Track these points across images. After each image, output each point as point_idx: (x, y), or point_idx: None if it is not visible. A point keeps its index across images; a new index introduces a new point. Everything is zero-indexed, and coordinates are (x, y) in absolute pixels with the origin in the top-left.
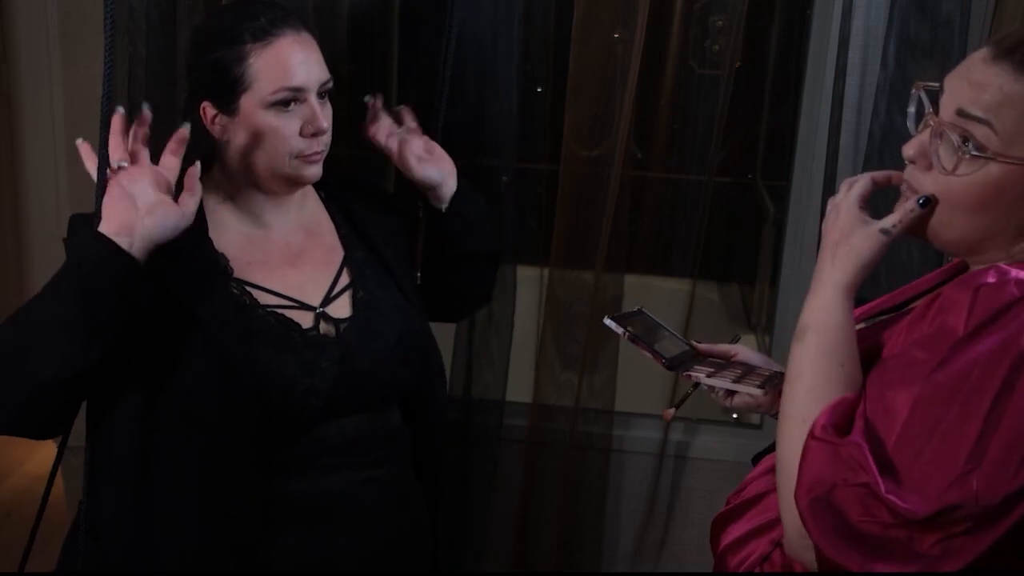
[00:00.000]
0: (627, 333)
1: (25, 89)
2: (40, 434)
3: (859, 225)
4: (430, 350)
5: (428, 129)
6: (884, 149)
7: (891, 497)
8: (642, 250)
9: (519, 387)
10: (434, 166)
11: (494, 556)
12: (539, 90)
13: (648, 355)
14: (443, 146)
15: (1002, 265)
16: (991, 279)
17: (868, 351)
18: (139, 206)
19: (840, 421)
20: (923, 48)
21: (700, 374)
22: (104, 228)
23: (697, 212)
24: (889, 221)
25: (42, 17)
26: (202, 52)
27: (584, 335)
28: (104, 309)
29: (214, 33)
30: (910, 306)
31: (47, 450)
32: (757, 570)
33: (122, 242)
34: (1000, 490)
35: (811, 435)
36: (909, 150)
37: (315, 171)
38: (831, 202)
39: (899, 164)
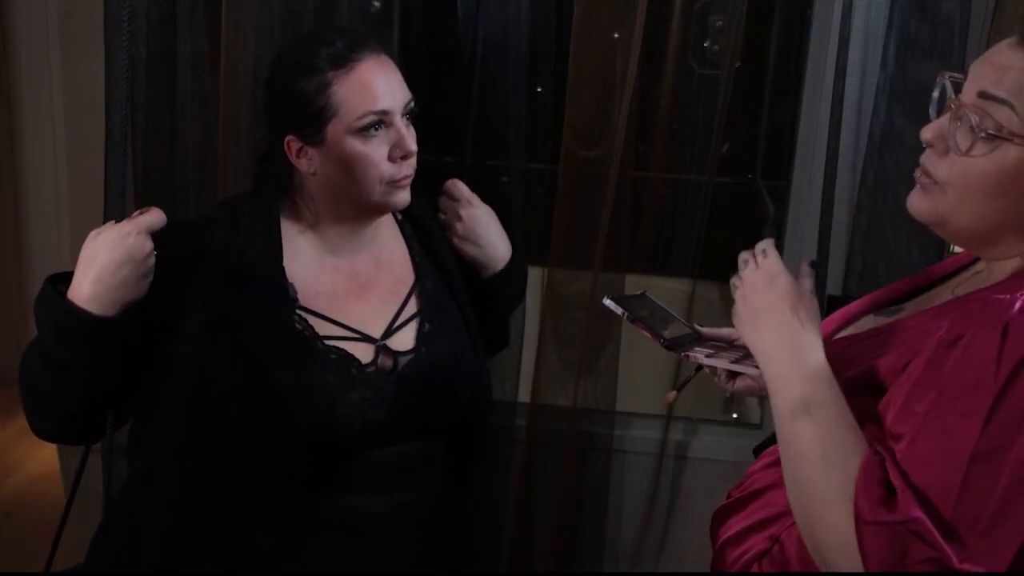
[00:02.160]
0: (626, 313)
1: (25, 89)
2: (80, 443)
3: (798, 284)
4: (481, 381)
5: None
6: (884, 149)
7: (966, 566)
8: (642, 250)
9: (519, 387)
10: (472, 248)
11: (494, 556)
12: (539, 90)
13: (647, 335)
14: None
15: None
16: (1016, 308)
17: (876, 360)
18: (103, 264)
19: (879, 491)
20: (923, 48)
21: (699, 355)
22: (71, 292)
23: (697, 212)
24: (808, 282)
25: (42, 17)
26: (282, 85)
27: (584, 335)
28: (83, 363)
29: (292, 65)
30: (919, 308)
31: (48, 450)
32: (755, 566)
33: (88, 305)
34: None
35: (861, 520)
36: (927, 133)
37: (404, 196)
38: (751, 275)
39: (898, 164)
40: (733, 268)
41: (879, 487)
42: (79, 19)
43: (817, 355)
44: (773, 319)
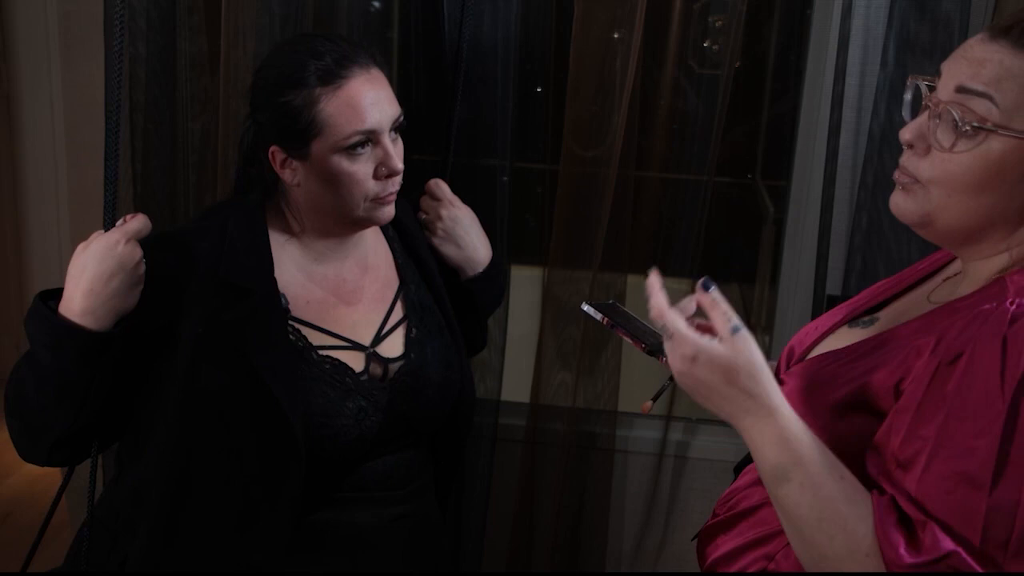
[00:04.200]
0: (606, 319)
1: (25, 89)
2: (73, 464)
3: (721, 348)
4: (465, 382)
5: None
6: (884, 149)
7: None
8: (642, 250)
9: (519, 387)
10: (452, 249)
11: (494, 556)
12: (539, 90)
13: (628, 340)
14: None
15: (1016, 302)
16: (1009, 319)
17: (865, 378)
18: (94, 277)
19: (900, 533)
20: (923, 48)
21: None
22: (63, 307)
23: (697, 212)
24: (733, 320)
25: (42, 17)
26: (268, 94)
27: (584, 335)
28: (78, 379)
29: (280, 75)
30: (897, 318)
31: None
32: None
33: (82, 320)
34: None
35: (895, 566)
36: (906, 134)
37: (389, 212)
38: (672, 357)
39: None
40: (733, 268)
41: (899, 529)
42: (79, 19)
43: (775, 418)
44: (717, 395)
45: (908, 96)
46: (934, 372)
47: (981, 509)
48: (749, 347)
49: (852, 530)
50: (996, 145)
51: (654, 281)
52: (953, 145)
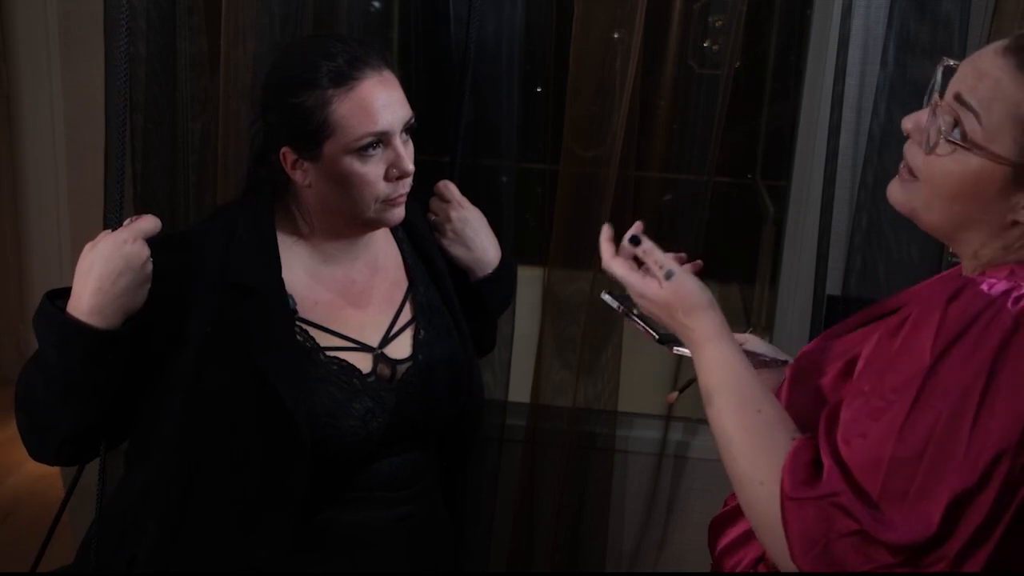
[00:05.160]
0: (621, 308)
1: (25, 89)
2: (82, 462)
3: (659, 290)
4: (474, 384)
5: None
6: (883, 149)
7: (889, 536)
8: None
9: (519, 387)
10: (461, 250)
11: (494, 556)
12: (539, 90)
13: (640, 328)
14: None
15: (975, 277)
16: (964, 294)
17: (850, 361)
18: (104, 275)
19: (806, 471)
20: (923, 48)
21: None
22: (71, 306)
23: (697, 212)
24: (666, 263)
25: (42, 17)
26: (279, 97)
27: (584, 335)
28: (85, 378)
29: (292, 76)
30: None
31: None
32: (751, 571)
33: (90, 319)
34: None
35: (784, 496)
36: (907, 123)
37: (399, 213)
38: (633, 297)
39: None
40: (733, 268)
41: (806, 468)
42: (79, 19)
43: (709, 348)
44: (669, 326)
45: (937, 77)
46: (883, 333)
47: (882, 462)
48: (684, 287)
49: (754, 458)
50: (974, 161)
51: (605, 232)
52: (935, 147)
